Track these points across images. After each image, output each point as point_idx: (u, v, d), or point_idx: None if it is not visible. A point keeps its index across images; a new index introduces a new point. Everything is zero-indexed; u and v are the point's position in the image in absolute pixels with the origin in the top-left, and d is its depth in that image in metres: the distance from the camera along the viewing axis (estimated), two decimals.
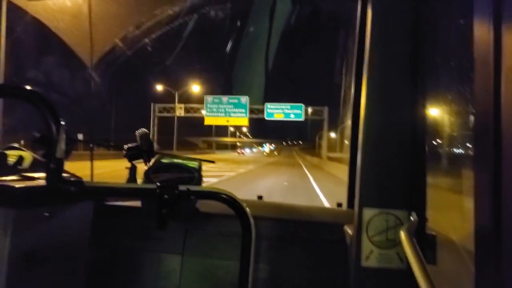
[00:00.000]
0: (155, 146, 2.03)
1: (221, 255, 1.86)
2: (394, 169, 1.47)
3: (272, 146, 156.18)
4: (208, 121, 49.05)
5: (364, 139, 1.50)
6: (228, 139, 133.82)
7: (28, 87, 1.27)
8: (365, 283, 1.50)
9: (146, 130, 2.10)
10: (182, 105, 51.18)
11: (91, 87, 2.56)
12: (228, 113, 47.45)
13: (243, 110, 47.09)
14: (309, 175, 27.24)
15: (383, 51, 1.51)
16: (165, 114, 52.21)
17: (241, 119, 48.29)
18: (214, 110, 47.57)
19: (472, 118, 0.88)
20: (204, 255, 1.89)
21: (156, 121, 50.88)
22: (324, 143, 52.66)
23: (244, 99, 47.05)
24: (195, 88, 53.13)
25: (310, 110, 48.60)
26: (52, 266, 1.35)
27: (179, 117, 50.26)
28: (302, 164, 45.55)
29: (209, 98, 47.71)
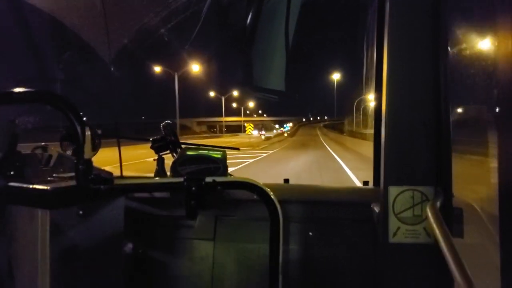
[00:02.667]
0: None
1: (251, 239, 1.90)
2: (418, 146, 1.46)
3: (287, 126, 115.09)
4: None
5: (388, 116, 1.49)
6: (232, 119, 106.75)
7: (51, 91, 1.31)
8: (393, 259, 1.52)
9: (170, 122, 2.14)
10: None
11: (111, 82, 2.61)
12: None
13: None
14: None
15: (404, 25, 1.48)
16: None
17: None
18: None
19: (495, 91, 0.88)
20: (235, 240, 1.93)
21: None
22: None
23: None
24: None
25: None
26: (92, 259, 1.41)
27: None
28: None
29: None
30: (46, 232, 1.24)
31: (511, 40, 0.74)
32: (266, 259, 1.59)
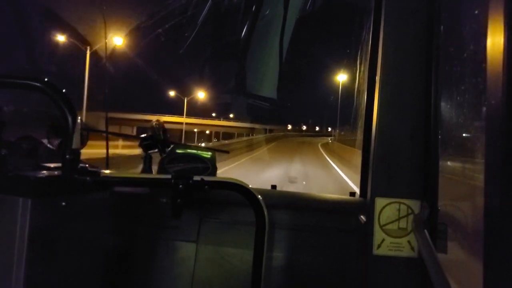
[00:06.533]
0: None
1: (235, 244, 1.88)
2: (406, 159, 1.48)
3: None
4: None
5: (377, 129, 1.51)
6: (171, 119, 53.06)
7: (43, 78, 1.29)
8: (376, 271, 1.52)
9: (160, 120, 2.12)
10: None
11: (106, 78, 2.59)
12: None
13: None
14: None
15: (397, 40, 1.51)
16: None
17: None
18: None
19: (484, 109, 0.89)
20: (218, 243, 1.91)
21: None
22: None
23: None
24: None
25: None
26: (71, 253, 1.38)
27: None
28: None
29: None
30: (26, 221, 1.21)
31: (503, 53, 0.75)
32: (249, 265, 1.58)
